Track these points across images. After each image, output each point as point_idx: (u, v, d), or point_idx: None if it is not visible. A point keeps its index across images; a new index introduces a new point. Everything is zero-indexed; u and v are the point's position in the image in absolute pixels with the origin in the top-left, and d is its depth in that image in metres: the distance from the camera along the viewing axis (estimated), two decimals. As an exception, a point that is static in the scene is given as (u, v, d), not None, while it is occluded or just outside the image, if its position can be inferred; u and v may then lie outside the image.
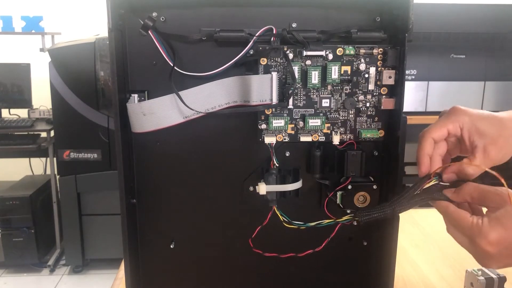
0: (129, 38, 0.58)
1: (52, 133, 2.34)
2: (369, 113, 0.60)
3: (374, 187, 0.60)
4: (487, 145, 0.52)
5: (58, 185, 2.36)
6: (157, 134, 0.59)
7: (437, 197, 0.53)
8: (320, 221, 0.60)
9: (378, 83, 0.59)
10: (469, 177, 0.53)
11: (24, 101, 2.53)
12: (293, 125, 0.59)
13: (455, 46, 2.09)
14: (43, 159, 2.69)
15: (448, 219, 0.52)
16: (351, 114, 0.60)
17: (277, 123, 0.58)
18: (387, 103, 0.59)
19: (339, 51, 0.57)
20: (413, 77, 2.10)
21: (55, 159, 2.32)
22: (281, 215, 0.60)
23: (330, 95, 0.59)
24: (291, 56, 0.57)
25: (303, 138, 0.60)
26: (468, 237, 0.49)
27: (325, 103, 0.59)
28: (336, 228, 0.60)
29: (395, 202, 0.54)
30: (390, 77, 0.58)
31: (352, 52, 0.57)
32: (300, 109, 0.59)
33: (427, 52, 2.07)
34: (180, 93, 0.57)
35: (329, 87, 0.59)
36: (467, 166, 0.52)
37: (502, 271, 0.63)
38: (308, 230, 0.60)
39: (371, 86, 0.59)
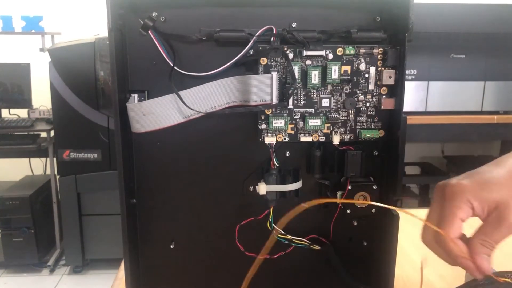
0: (129, 38, 0.57)
1: (52, 133, 2.34)
2: (369, 113, 0.60)
3: (374, 187, 0.60)
4: (501, 210, 0.46)
5: (58, 185, 2.36)
6: (157, 134, 0.59)
7: None
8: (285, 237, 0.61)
9: (378, 83, 0.59)
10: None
11: (24, 101, 2.53)
12: (293, 125, 0.59)
13: (455, 46, 2.09)
14: (43, 159, 2.69)
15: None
16: (351, 114, 0.60)
17: (277, 123, 0.58)
18: (387, 103, 0.59)
19: (339, 51, 0.57)
20: (413, 77, 2.10)
21: (55, 159, 2.32)
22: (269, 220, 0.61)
23: (330, 95, 0.59)
24: (291, 56, 0.57)
25: (303, 138, 0.60)
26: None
27: (325, 103, 0.59)
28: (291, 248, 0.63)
29: None
30: (390, 77, 0.58)
31: (352, 52, 0.57)
32: (300, 109, 0.59)
33: (427, 52, 2.08)
34: (180, 93, 0.57)
35: (329, 87, 0.59)
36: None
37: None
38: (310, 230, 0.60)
39: (371, 86, 0.59)
